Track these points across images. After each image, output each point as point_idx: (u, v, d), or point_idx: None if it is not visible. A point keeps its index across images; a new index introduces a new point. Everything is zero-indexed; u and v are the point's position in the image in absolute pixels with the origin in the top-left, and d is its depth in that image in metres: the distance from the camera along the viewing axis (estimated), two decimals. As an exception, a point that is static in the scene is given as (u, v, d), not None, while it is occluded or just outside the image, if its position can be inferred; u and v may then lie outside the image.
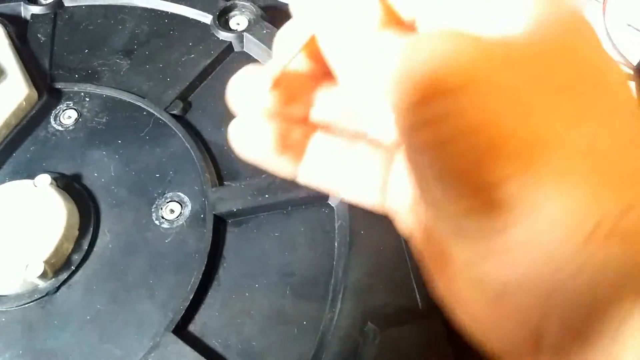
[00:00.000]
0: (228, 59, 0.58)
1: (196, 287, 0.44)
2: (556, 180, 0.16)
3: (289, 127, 0.25)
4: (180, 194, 0.49)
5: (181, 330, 0.43)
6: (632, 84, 0.67)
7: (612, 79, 0.18)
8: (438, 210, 0.19)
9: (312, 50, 0.24)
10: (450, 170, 0.17)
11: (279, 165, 0.25)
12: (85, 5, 0.63)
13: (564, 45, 0.18)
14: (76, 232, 0.47)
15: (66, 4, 0.63)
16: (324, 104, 0.26)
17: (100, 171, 0.51)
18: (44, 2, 0.63)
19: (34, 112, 0.54)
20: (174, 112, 0.54)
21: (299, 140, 0.25)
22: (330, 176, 0.26)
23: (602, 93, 0.17)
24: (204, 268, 0.45)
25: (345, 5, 0.20)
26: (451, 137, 0.17)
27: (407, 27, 0.21)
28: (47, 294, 0.45)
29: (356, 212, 0.46)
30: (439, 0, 0.20)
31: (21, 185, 0.48)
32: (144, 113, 0.54)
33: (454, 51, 0.17)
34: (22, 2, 0.62)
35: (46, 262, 0.44)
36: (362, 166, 0.25)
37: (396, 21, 0.21)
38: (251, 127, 0.24)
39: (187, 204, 0.49)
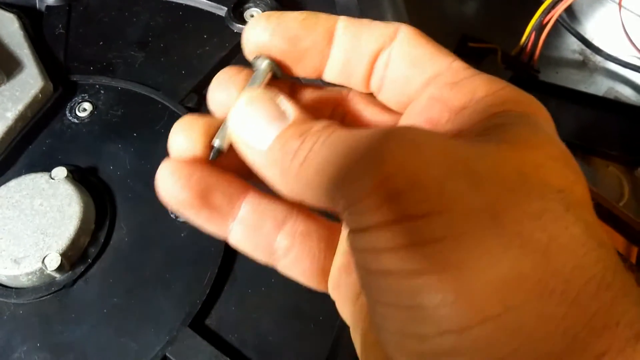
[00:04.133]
0: (243, 51, 0.57)
1: (212, 281, 0.44)
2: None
3: (219, 180, 0.24)
4: (195, 187, 0.49)
5: (198, 324, 0.43)
6: None
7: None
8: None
9: None
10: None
11: (203, 219, 0.25)
12: (99, -3, 0.63)
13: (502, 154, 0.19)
14: (92, 226, 0.47)
15: (80, -4, 0.63)
16: None
17: (116, 164, 0.51)
18: (58, -6, 0.63)
19: (49, 104, 0.54)
20: (189, 105, 0.54)
21: (228, 197, 0.25)
22: (260, 249, 0.26)
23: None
24: (220, 262, 0.45)
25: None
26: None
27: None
28: (64, 287, 0.45)
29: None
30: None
31: (38, 178, 0.48)
32: (159, 106, 0.54)
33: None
34: (36, -6, 0.62)
35: (63, 255, 0.44)
36: (298, 246, 0.26)
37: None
38: (179, 170, 0.24)
39: (203, 198, 0.49)
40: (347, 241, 0.20)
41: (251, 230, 0.25)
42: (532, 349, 0.17)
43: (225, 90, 0.25)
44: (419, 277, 0.17)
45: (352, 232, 0.19)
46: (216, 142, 0.24)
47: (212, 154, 0.24)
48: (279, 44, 0.24)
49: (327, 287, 0.27)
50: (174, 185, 0.24)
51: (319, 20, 0.24)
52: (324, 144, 0.21)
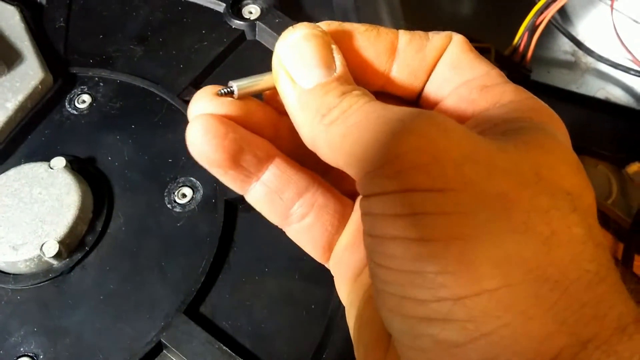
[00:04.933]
0: (240, 47, 0.58)
1: (207, 270, 0.45)
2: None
3: (251, 142, 0.25)
4: (192, 178, 0.50)
5: (192, 311, 0.44)
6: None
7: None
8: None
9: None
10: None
11: (228, 177, 0.26)
12: (99, -9, 0.64)
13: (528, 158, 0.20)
14: (90, 214, 0.48)
15: (81, -10, 0.64)
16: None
17: (114, 155, 0.52)
18: (58, -12, 0.63)
19: (49, 96, 0.55)
20: (187, 98, 0.55)
21: (257, 160, 0.26)
22: (276, 212, 0.27)
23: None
24: (215, 251, 0.46)
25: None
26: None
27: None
28: (61, 274, 0.46)
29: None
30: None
31: (37, 167, 0.49)
32: (157, 99, 0.55)
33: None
34: (37, -13, 0.63)
35: (61, 242, 0.45)
36: (313, 216, 0.27)
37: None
38: (213, 129, 0.24)
39: (199, 188, 0.50)
40: (359, 206, 0.21)
41: (272, 193, 0.26)
42: (522, 325, 0.18)
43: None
44: (425, 245, 0.19)
45: (366, 197, 0.21)
46: (233, 83, 0.24)
47: (221, 90, 0.24)
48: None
49: (328, 261, 0.28)
50: (207, 145, 0.24)
51: (380, 34, 0.25)
52: (359, 109, 0.22)
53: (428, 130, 0.20)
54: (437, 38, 0.25)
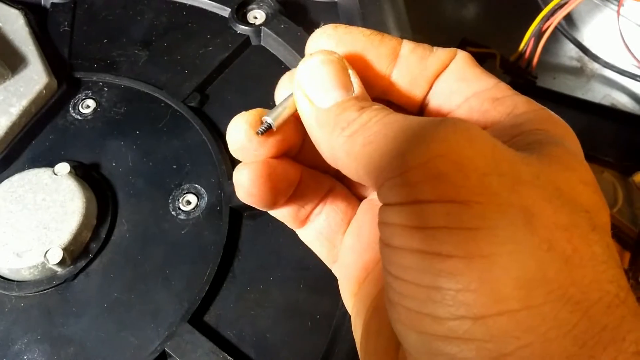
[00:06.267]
0: (245, 52, 0.58)
1: (212, 278, 0.45)
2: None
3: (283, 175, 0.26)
4: (196, 185, 0.50)
5: (196, 320, 0.44)
6: None
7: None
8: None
9: None
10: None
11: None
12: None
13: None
14: (94, 221, 0.48)
15: (85, -7, 0.64)
16: None
17: (118, 161, 0.52)
18: (63, -9, 0.63)
19: (53, 100, 0.54)
20: (192, 104, 0.54)
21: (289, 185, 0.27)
22: (296, 217, 0.29)
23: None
24: (219, 260, 0.46)
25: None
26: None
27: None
28: (65, 281, 0.46)
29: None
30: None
31: (41, 173, 0.49)
32: (162, 104, 0.55)
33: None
34: (42, -9, 0.63)
35: (65, 249, 0.45)
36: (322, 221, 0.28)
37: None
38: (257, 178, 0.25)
39: (204, 195, 0.49)
40: (379, 215, 0.21)
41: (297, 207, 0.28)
42: (542, 347, 0.18)
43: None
44: (446, 260, 0.18)
45: (385, 206, 0.20)
46: (268, 118, 0.24)
47: (260, 129, 0.25)
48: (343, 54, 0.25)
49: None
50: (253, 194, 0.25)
51: (384, 39, 0.25)
52: (379, 120, 0.22)
53: (453, 137, 0.19)
54: (441, 51, 0.25)
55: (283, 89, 0.27)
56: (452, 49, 0.25)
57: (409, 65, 0.25)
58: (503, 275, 0.18)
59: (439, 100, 0.25)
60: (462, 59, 0.25)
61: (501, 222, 0.18)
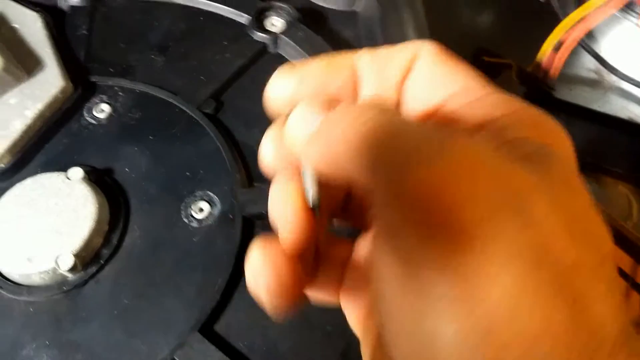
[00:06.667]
0: (262, 60, 0.58)
1: (223, 287, 0.45)
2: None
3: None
4: (210, 193, 0.49)
5: (207, 329, 0.43)
6: None
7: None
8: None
9: None
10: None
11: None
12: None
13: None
14: (106, 227, 0.48)
15: (103, -3, 0.64)
16: None
17: (132, 167, 0.51)
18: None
19: (68, 104, 0.54)
20: (207, 110, 0.54)
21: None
22: None
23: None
24: (231, 269, 0.45)
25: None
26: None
27: None
28: (75, 287, 0.45)
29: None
30: None
31: (54, 178, 0.48)
32: (177, 110, 0.55)
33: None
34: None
35: (76, 255, 0.45)
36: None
37: None
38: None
39: (217, 203, 0.49)
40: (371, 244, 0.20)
41: None
42: None
43: None
44: (444, 306, 0.17)
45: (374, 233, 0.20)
46: (310, 201, 0.23)
47: (316, 211, 0.23)
48: (307, 94, 0.23)
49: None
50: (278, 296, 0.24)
51: (339, 63, 0.24)
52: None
53: (451, 166, 0.17)
54: (399, 55, 0.23)
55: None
56: (414, 45, 0.23)
57: (372, 81, 0.23)
58: (506, 332, 0.17)
59: (415, 106, 0.23)
60: (427, 56, 0.23)
61: (503, 269, 0.17)
